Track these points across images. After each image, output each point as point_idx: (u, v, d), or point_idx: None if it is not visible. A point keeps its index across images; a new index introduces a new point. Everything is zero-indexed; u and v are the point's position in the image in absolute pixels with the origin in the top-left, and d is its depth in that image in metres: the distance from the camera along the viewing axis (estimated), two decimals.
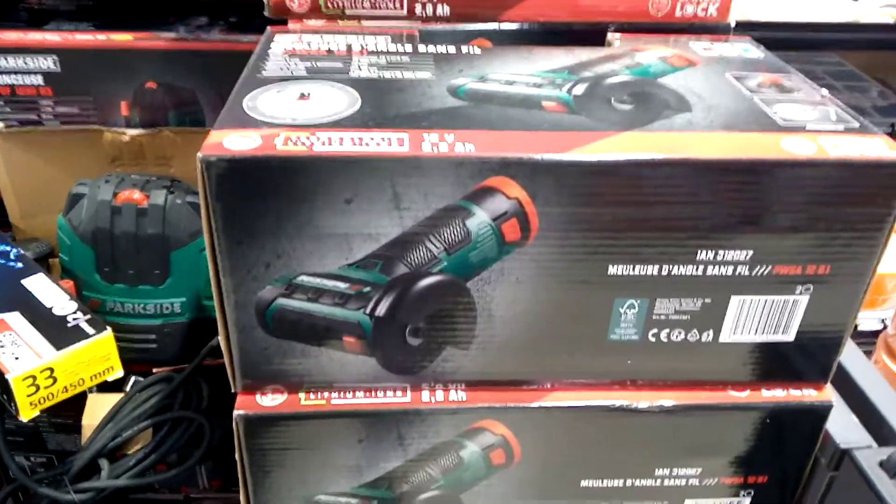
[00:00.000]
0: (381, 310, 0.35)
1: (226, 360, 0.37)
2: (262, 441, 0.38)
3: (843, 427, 0.40)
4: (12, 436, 0.60)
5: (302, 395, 0.38)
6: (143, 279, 0.58)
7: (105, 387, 0.57)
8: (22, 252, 0.54)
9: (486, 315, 0.36)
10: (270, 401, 0.37)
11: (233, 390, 0.38)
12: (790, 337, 0.37)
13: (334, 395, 0.38)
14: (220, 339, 0.36)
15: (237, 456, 0.39)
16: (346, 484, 0.40)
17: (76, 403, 0.55)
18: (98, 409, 0.55)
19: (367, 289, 0.35)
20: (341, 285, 0.35)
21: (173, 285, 0.58)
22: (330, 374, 0.38)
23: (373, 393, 0.38)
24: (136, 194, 0.56)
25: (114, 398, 0.56)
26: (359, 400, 0.38)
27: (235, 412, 0.37)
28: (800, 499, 0.43)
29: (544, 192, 0.33)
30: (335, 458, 0.39)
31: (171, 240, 0.57)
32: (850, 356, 0.44)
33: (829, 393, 0.39)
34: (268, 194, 0.32)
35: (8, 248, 0.55)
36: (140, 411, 0.54)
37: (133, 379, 0.57)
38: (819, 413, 0.39)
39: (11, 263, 0.53)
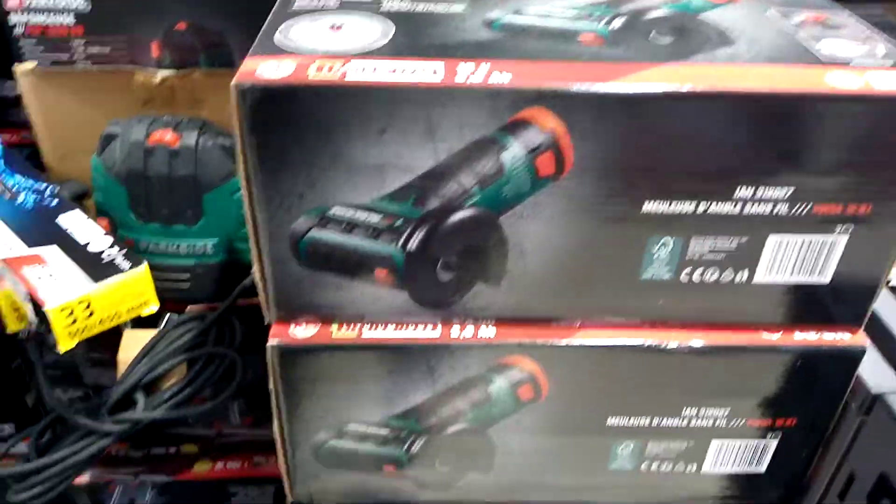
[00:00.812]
0: (413, 244, 0.35)
1: (260, 291, 0.38)
2: (295, 371, 0.38)
3: (875, 372, 0.40)
4: (50, 370, 0.61)
5: (334, 328, 0.38)
6: (176, 219, 0.58)
7: (140, 323, 0.59)
8: (57, 190, 0.55)
9: (517, 251, 0.36)
10: (303, 332, 0.38)
11: (266, 321, 0.39)
12: (826, 279, 0.37)
13: (366, 327, 0.39)
14: (255, 271, 0.37)
15: (271, 385, 0.39)
16: (376, 415, 0.41)
17: (112, 339, 0.56)
18: (133, 344, 0.57)
19: (400, 222, 0.35)
20: (374, 218, 0.35)
21: (206, 226, 0.59)
22: (362, 308, 0.38)
23: (403, 327, 0.39)
24: (169, 135, 0.56)
25: (149, 334, 0.57)
26: (389, 333, 0.38)
27: (269, 342, 0.38)
28: (827, 443, 0.43)
29: (580, 124, 0.32)
30: (365, 389, 0.39)
31: (203, 181, 0.57)
32: (884, 303, 0.43)
33: (862, 338, 0.39)
34: (301, 122, 0.32)
35: (43, 187, 0.56)
36: (174, 347, 0.55)
37: (168, 316, 0.59)
38: (852, 357, 0.39)
39: (47, 201, 0.54)
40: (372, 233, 0.35)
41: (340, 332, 0.38)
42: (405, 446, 0.42)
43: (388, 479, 0.44)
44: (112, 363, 0.58)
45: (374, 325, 0.39)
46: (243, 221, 0.59)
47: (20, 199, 0.54)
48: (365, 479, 0.44)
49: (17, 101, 0.66)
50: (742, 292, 0.37)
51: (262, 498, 0.64)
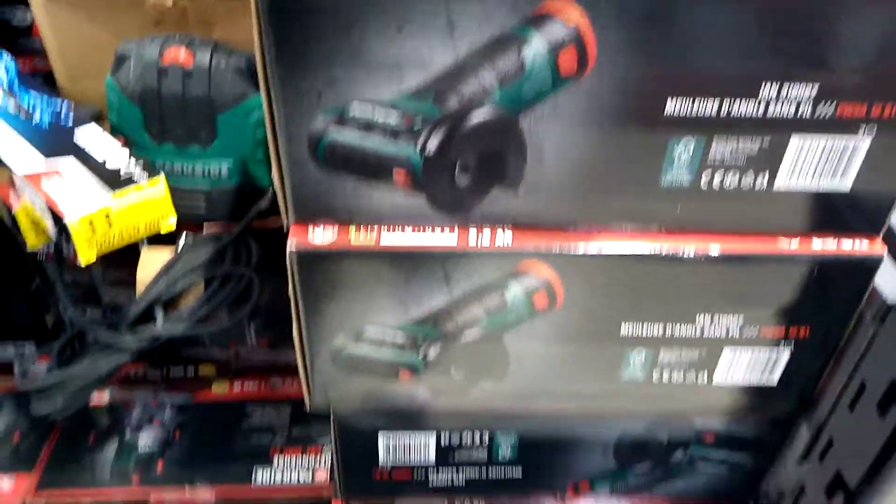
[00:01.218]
0: (431, 147, 0.35)
1: (279, 194, 0.38)
2: (314, 276, 0.39)
3: (891, 282, 0.40)
4: (68, 290, 0.62)
5: (352, 232, 0.39)
6: (191, 140, 0.58)
7: (157, 242, 0.59)
8: (72, 106, 0.55)
9: (536, 154, 0.36)
10: (322, 237, 0.38)
11: (285, 224, 0.39)
12: (847, 185, 0.37)
13: (384, 232, 0.39)
14: (274, 173, 0.37)
15: (290, 290, 0.40)
16: (393, 320, 0.41)
17: (130, 258, 0.57)
18: (151, 264, 0.57)
19: (418, 122, 0.35)
20: (392, 117, 0.35)
21: (220, 147, 0.59)
22: (379, 212, 0.38)
23: (421, 229, 0.39)
24: (182, 53, 0.56)
25: (166, 254, 0.57)
26: (407, 238, 0.39)
27: (288, 247, 0.38)
28: (840, 354, 0.43)
29: (604, 15, 0.31)
30: (383, 294, 0.40)
31: (217, 102, 0.57)
32: None
33: (880, 246, 0.39)
34: (320, 18, 0.32)
35: (59, 104, 0.55)
36: (192, 266, 0.56)
37: (185, 234, 0.59)
38: (869, 266, 0.39)
39: (63, 118, 0.54)
40: (390, 134, 0.35)
41: (359, 238, 0.38)
42: (421, 352, 0.42)
43: (403, 386, 0.45)
44: (130, 283, 0.59)
45: (392, 230, 0.39)
46: (258, 144, 0.59)
47: (36, 116, 0.54)
48: (381, 387, 0.45)
49: (29, 29, 0.66)
50: (762, 198, 0.37)
51: (278, 417, 0.65)
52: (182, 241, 0.59)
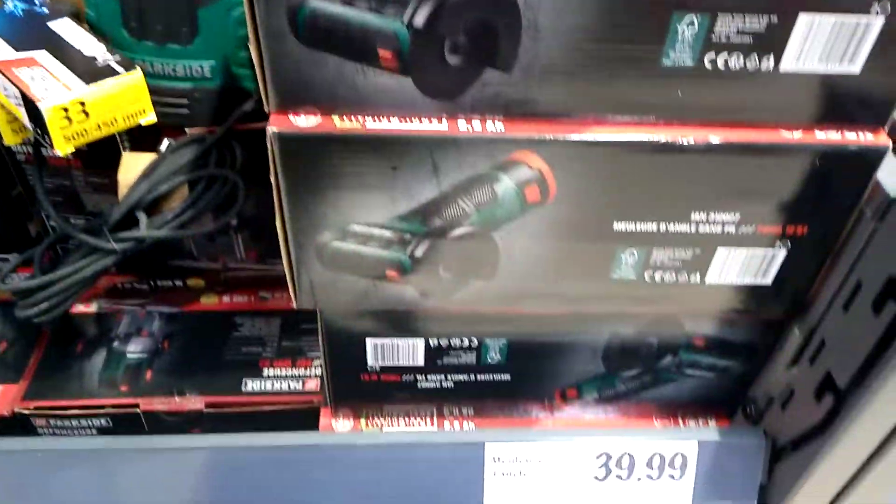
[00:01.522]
0: (419, 19, 0.33)
1: (258, 76, 0.36)
2: (297, 162, 0.37)
3: (893, 176, 0.39)
4: (51, 196, 0.61)
5: (336, 119, 0.37)
6: (171, 37, 0.56)
7: (139, 147, 0.58)
8: (48, 2, 0.52)
9: (531, 30, 0.34)
10: (304, 121, 0.37)
11: (266, 110, 0.37)
12: (856, 69, 0.35)
13: (369, 119, 0.37)
14: (252, 50, 0.35)
15: (272, 179, 0.38)
16: (380, 215, 0.40)
17: (113, 164, 0.56)
18: (133, 166, 0.56)
19: None
20: None
21: (201, 45, 0.56)
22: (365, 99, 0.36)
23: (408, 119, 0.37)
24: None
25: (148, 157, 0.56)
26: (394, 125, 0.37)
27: (269, 129, 0.36)
28: (837, 254, 0.42)
29: None
30: (369, 185, 0.39)
31: None
32: None
33: (885, 138, 0.38)
34: None
35: None
36: (174, 167, 0.54)
37: (166, 140, 0.57)
38: (872, 158, 0.38)
39: (37, 8, 0.51)
40: (375, 3, 0.33)
41: (343, 123, 0.37)
42: (409, 249, 0.41)
43: (391, 287, 0.44)
44: (113, 190, 0.57)
45: (378, 118, 0.37)
46: (241, 43, 0.57)
47: (9, 5, 0.51)
48: (368, 287, 0.44)
49: None
50: (767, 82, 0.35)
51: (268, 328, 0.65)
52: (164, 145, 0.57)
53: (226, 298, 0.68)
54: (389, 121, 0.37)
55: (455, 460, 0.48)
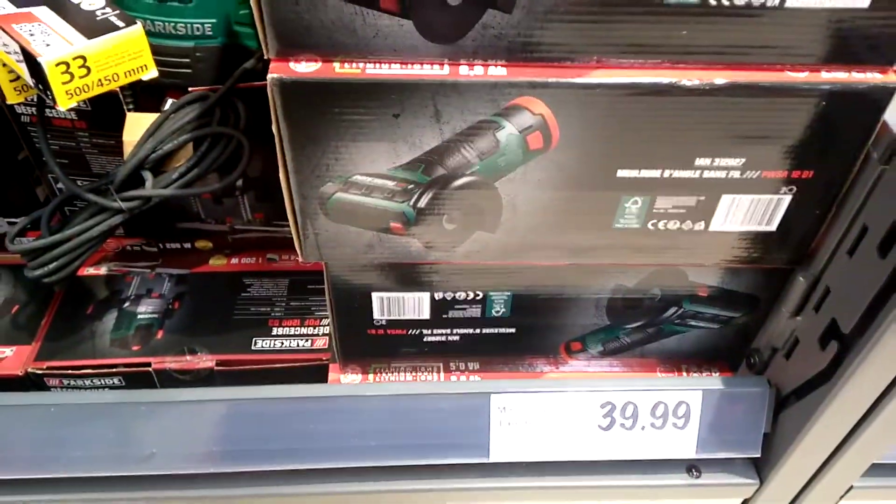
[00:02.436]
0: None
1: (257, 22, 0.36)
2: (298, 109, 0.37)
3: None
4: (57, 158, 0.61)
5: (336, 65, 0.37)
6: None
7: (143, 108, 0.58)
8: None
9: None
10: (304, 67, 0.36)
11: (265, 56, 0.37)
12: (865, 3, 0.34)
13: (369, 65, 0.37)
14: None
15: (273, 128, 0.38)
16: (382, 164, 0.40)
17: (118, 126, 0.56)
18: (137, 126, 0.56)
19: None
20: None
21: (203, 3, 0.56)
22: (365, 43, 0.36)
23: (409, 64, 0.37)
24: None
25: (152, 117, 0.56)
26: (395, 70, 0.37)
27: (269, 76, 0.36)
28: (843, 200, 0.42)
29: None
30: (370, 133, 0.38)
31: None
32: None
33: (893, 77, 0.37)
34: None
35: None
36: (179, 125, 0.54)
37: (170, 100, 0.57)
38: (880, 97, 0.37)
39: None
40: None
41: (343, 69, 0.37)
42: (412, 199, 0.41)
43: (396, 239, 0.44)
44: (118, 152, 0.57)
45: (379, 64, 0.37)
46: (242, 1, 0.56)
47: None
48: (373, 240, 0.44)
49: None
50: (772, 19, 0.35)
51: (276, 289, 0.65)
52: (168, 104, 0.57)
53: (234, 260, 0.69)
54: (390, 66, 0.37)
55: (461, 410, 0.48)
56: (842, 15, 0.35)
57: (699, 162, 0.40)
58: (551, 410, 0.48)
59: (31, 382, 0.59)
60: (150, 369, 0.59)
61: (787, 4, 0.34)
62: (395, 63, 0.37)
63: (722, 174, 0.40)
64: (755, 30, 0.35)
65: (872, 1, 0.34)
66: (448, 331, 0.52)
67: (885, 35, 0.36)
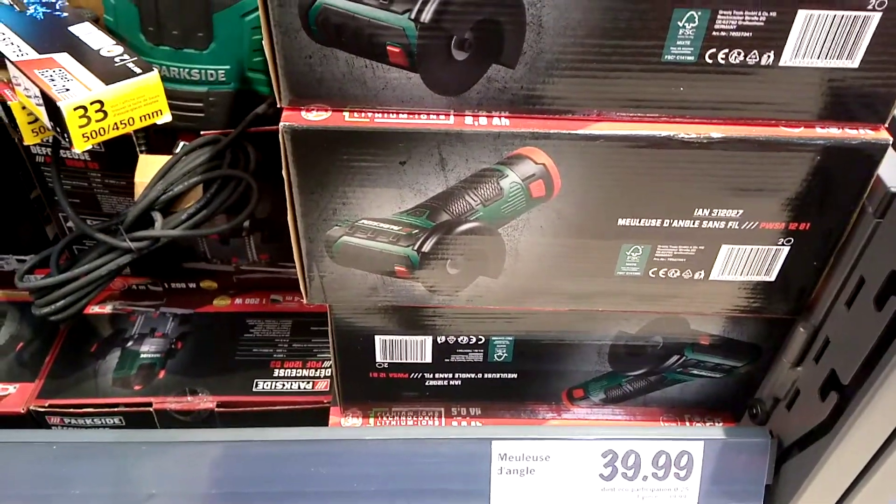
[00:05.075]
0: (427, 15, 0.34)
1: (271, 72, 0.37)
2: (308, 156, 0.38)
3: (894, 172, 0.39)
4: (69, 197, 0.62)
5: (346, 114, 0.38)
6: (188, 42, 0.57)
7: (155, 150, 0.59)
8: (66, 3, 0.54)
9: (535, 26, 0.35)
10: (315, 116, 0.38)
11: (278, 105, 0.38)
12: (854, 63, 0.35)
13: (378, 115, 0.38)
14: (265, 47, 0.36)
15: (284, 173, 0.39)
16: (388, 210, 0.41)
17: (130, 167, 0.57)
18: (149, 168, 0.57)
19: None
20: None
21: (217, 50, 0.58)
22: (374, 94, 0.37)
23: (416, 115, 0.38)
24: None
25: (163, 159, 0.57)
26: (402, 120, 0.38)
27: (281, 124, 0.37)
28: (840, 252, 0.43)
29: None
30: (377, 179, 0.39)
31: (214, 0, 0.56)
32: None
33: (885, 134, 0.38)
34: None
35: (55, 3, 0.54)
36: (189, 168, 0.56)
37: (182, 143, 0.59)
38: (874, 153, 0.38)
39: (58, 12, 0.53)
40: (384, 1, 0.34)
41: (353, 118, 0.38)
42: (417, 244, 0.42)
43: (399, 283, 0.45)
44: (129, 192, 0.59)
45: (387, 114, 0.38)
46: (256, 48, 0.58)
47: (30, 10, 0.53)
48: (377, 283, 0.45)
49: None
50: (767, 77, 0.36)
51: (279, 330, 0.66)
52: (178, 148, 0.58)
53: (238, 300, 0.70)
54: (398, 116, 0.38)
55: (462, 457, 0.48)
56: (833, 74, 0.36)
57: (698, 212, 0.41)
58: (553, 458, 0.48)
59: (32, 420, 0.59)
60: (150, 409, 0.59)
61: (781, 63, 0.35)
62: (403, 113, 0.38)
63: (721, 224, 0.41)
64: (750, 87, 0.37)
65: (862, 61, 0.35)
66: (450, 375, 0.53)
67: (876, 93, 0.37)
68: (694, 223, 0.41)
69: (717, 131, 0.38)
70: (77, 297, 0.56)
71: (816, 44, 0.35)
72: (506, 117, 0.38)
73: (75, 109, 0.45)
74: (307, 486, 0.48)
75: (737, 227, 0.41)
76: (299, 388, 0.61)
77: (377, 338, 0.50)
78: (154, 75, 0.48)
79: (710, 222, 0.41)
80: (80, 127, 0.45)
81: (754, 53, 0.35)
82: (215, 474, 0.48)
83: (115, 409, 0.59)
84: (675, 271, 0.43)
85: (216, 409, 0.60)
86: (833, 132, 0.38)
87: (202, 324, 0.67)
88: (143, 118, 0.48)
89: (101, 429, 0.60)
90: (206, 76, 0.59)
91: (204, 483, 0.48)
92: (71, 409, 0.59)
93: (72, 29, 0.51)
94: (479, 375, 0.53)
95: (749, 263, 0.43)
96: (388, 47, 0.35)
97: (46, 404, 0.59)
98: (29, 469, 0.48)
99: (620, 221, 0.41)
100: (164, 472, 0.48)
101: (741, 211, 0.41)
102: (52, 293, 0.56)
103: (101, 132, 0.47)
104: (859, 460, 0.43)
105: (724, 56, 0.35)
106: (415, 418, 0.56)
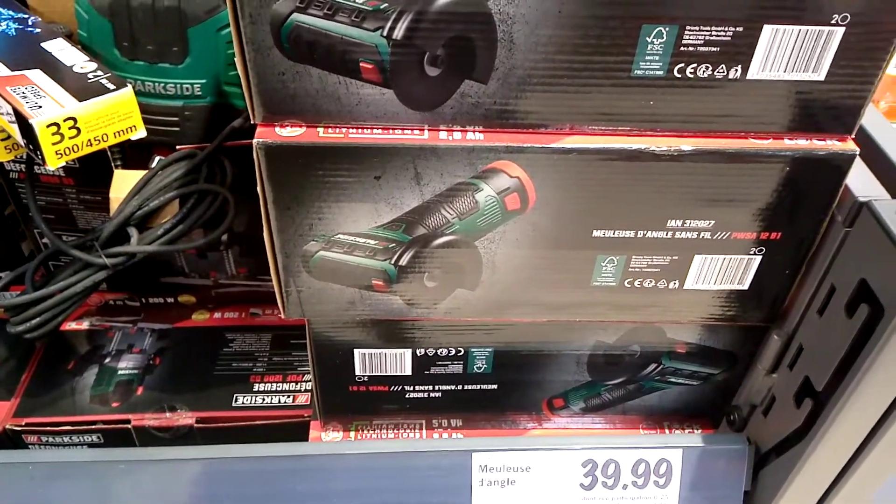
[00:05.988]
0: (399, 32, 0.35)
1: (244, 88, 0.37)
2: (283, 172, 0.38)
3: (862, 181, 0.40)
4: (44, 213, 0.62)
5: (320, 130, 0.38)
6: (162, 56, 0.57)
7: (131, 165, 0.59)
8: (39, 19, 0.53)
9: (507, 42, 0.35)
10: (289, 132, 0.38)
11: (252, 121, 0.38)
12: (820, 76, 0.36)
13: (352, 130, 0.38)
14: (238, 64, 0.36)
15: (259, 190, 0.39)
16: (364, 224, 0.41)
17: (105, 182, 0.56)
18: (124, 184, 0.56)
19: (384, 5, 0.34)
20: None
21: (193, 65, 0.58)
22: (348, 110, 0.38)
23: (391, 130, 0.38)
24: None
25: (139, 174, 0.57)
26: (377, 135, 0.38)
27: (255, 140, 0.37)
28: (812, 260, 0.43)
29: None
30: (353, 194, 0.39)
31: (188, 14, 0.56)
32: (870, 116, 0.42)
33: (852, 145, 0.39)
34: None
35: (26, 16, 0.54)
36: (165, 183, 0.55)
37: (157, 158, 0.58)
38: (841, 163, 0.39)
39: (30, 28, 0.53)
40: (356, 17, 0.34)
41: (327, 133, 0.38)
42: (394, 258, 0.42)
43: (377, 297, 0.45)
44: (105, 208, 0.58)
45: (361, 129, 0.38)
46: (231, 62, 0.58)
47: (2, 26, 0.52)
48: (355, 297, 0.45)
49: None
50: (735, 90, 0.37)
51: (258, 343, 0.65)
52: (155, 162, 0.58)
53: (217, 315, 0.69)
54: (372, 131, 0.38)
55: (443, 469, 0.48)
56: (800, 87, 0.37)
57: (671, 223, 0.41)
58: (533, 469, 0.48)
59: (9, 440, 0.58)
60: (129, 426, 0.59)
61: (749, 76, 0.36)
62: (377, 128, 0.38)
63: (693, 235, 0.42)
64: (719, 100, 0.37)
65: (828, 74, 0.36)
66: (430, 387, 0.53)
67: (842, 105, 0.37)
68: (667, 234, 0.42)
69: (687, 144, 0.38)
70: (53, 315, 0.56)
71: (783, 58, 0.35)
72: (480, 132, 0.39)
73: (48, 127, 0.44)
74: (287, 502, 0.47)
75: (709, 237, 0.42)
76: (280, 402, 0.61)
77: (356, 351, 0.50)
78: (128, 91, 0.47)
79: (683, 233, 0.42)
80: (54, 144, 0.45)
81: (722, 67, 0.36)
82: (195, 492, 0.47)
83: (94, 427, 0.59)
84: (650, 281, 0.44)
85: (195, 425, 0.59)
86: (801, 143, 0.39)
87: (180, 338, 0.66)
88: (117, 134, 0.48)
89: (79, 447, 0.59)
90: (182, 90, 0.59)
91: (183, 501, 0.47)
92: (48, 428, 0.58)
93: (45, 45, 0.51)
94: (460, 387, 0.53)
95: (722, 272, 0.44)
96: (361, 64, 0.36)
97: (23, 423, 0.58)
98: (5, 491, 0.47)
99: (595, 233, 0.42)
100: (144, 491, 0.47)
101: (713, 221, 0.41)
102: (28, 311, 0.55)
103: (75, 149, 0.46)
104: (835, 465, 0.44)
105: (692, 70, 0.36)
106: (396, 431, 0.56)
